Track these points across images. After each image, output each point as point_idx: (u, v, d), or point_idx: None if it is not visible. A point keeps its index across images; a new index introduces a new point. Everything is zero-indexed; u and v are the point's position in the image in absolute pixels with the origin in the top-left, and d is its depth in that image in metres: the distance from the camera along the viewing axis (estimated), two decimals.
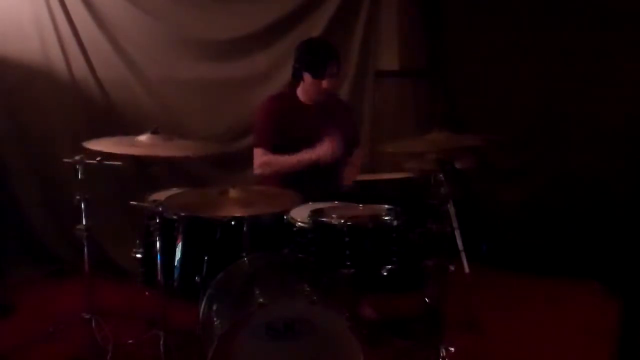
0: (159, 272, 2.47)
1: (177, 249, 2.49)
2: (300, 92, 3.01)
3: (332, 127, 2.95)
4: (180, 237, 2.49)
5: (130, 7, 3.73)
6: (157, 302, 2.51)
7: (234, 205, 2.30)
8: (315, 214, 2.43)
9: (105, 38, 3.73)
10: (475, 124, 3.91)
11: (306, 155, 2.86)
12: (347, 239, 2.32)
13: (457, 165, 2.48)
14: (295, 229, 2.44)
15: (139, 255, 2.64)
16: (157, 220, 2.48)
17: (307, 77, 2.93)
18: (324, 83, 2.90)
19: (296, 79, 2.99)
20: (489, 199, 4.00)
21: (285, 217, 2.48)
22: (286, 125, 2.95)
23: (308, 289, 2.10)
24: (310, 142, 2.91)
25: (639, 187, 3.42)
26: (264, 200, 2.40)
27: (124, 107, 3.80)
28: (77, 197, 2.66)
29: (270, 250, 2.44)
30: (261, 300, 1.98)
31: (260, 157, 2.96)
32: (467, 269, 2.96)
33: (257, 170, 3.00)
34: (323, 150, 2.83)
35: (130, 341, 2.70)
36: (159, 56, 3.81)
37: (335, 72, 2.92)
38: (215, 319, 2.08)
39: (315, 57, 2.91)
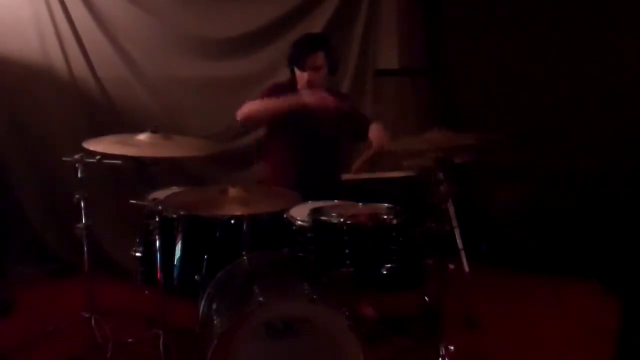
0: (158, 271, 2.47)
1: (176, 247, 2.49)
2: (299, 87, 3.02)
3: (327, 121, 2.97)
4: (179, 236, 2.50)
5: (130, 6, 3.73)
6: (156, 301, 2.51)
7: (233, 204, 2.30)
8: (315, 212, 2.43)
9: (105, 37, 3.73)
10: (475, 123, 3.91)
11: (293, 100, 2.84)
12: (346, 238, 2.32)
13: (456, 160, 2.48)
14: (294, 227, 2.44)
15: (138, 254, 2.64)
16: (157, 219, 2.48)
17: (295, 70, 2.95)
18: (305, 75, 2.89)
19: (292, 74, 3.01)
20: (488, 198, 4.00)
21: (284, 216, 2.48)
22: (282, 115, 2.95)
23: (307, 287, 2.10)
24: (303, 135, 2.92)
25: (639, 186, 3.42)
26: (263, 199, 2.40)
27: (123, 106, 3.80)
28: (77, 196, 2.66)
29: (270, 249, 2.44)
30: (261, 299, 1.98)
31: (248, 103, 2.94)
32: (466, 268, 2.97)
33: (239, 114, 2.94)
34: (311, 99, 2.82)
35: (129, 340, 2.70)
36: (158, 55, 3.81)
37: (319, 65, 2.90)
38: (214, 317, 2.09)
39: (296, 49, 2.94)
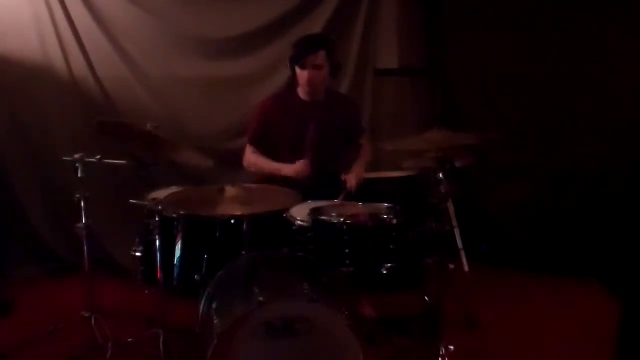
0: (158, 271, 2.48)
1: (176, 247, 2.50)
2: (300, 88, 3.02)
3: (331, 121, 2.98)
4: (179, 236, 2.50)
5: (130, 6, 3.73)
6: (156, 301, 2.52)
7: (233, 204, 2.30)
8: (315, 212, 2.43)
9: (105, 37, 3.74)
10: (474, 122, 3.91)
11: (284, 169, 2.91)
12: (346, 238, 2.33)
13: (457, 164, 2.48)
14: (295, 227, 2.45)
15: (138, 254, 2.65)
16: (157, 219, 2.48)
17: (297, 69, 2.94)
18: (306, 74, 2.89)
19: (293, 74, 3.00)
20: (488, 198, 4.00)
21: (284, 216, 2.48)
22: (283, 123, 2.97)
23: (308, 287, 2.10)
24: (313, 147, 2.92)
25: (639, 186, 3.42)
26: (263, 199, 2.40)
27: (123, 106, 3.80)
28: (77, 196, 2.66)
29: (270, 248, 2.44)
30: (261, 298, 1.97)
31: (249, 155, 3.09)
32: (466, 268, 2.97)
33: (245, 165, 3.12)
34: (296, 169, 2.84)
35: (130, 340, 2.70)
36: (159, 55, 3.81)
37: (319, 64, 2.89)
38: (214, 317, 2.08)
39: (298, 48, 2.94)
